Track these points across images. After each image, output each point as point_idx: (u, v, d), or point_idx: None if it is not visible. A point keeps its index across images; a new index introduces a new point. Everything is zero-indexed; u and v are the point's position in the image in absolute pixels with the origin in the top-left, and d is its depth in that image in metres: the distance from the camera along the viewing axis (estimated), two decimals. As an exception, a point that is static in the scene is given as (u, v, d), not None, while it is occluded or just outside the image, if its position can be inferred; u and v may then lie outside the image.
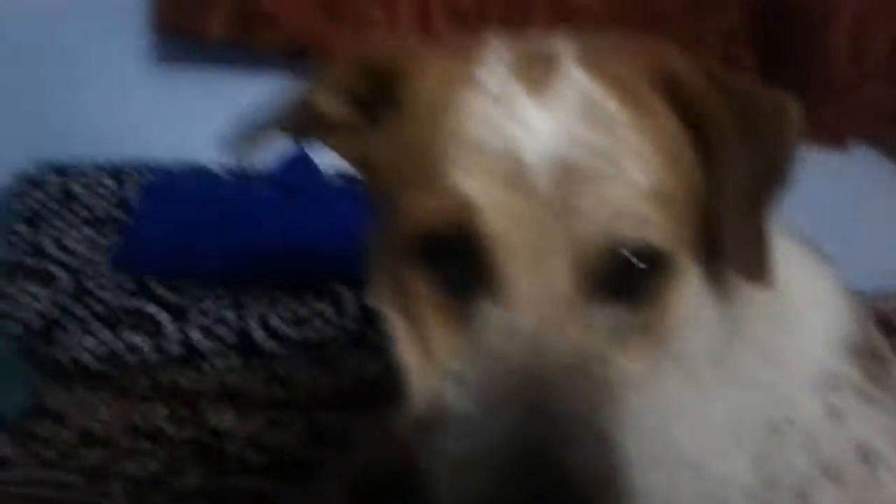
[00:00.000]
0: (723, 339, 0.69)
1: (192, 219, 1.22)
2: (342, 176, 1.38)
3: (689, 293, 0.62)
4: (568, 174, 0.56)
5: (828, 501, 0.71)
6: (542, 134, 0.57)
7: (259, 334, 1.09)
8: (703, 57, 1.43)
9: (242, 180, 1.34)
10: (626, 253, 0.56)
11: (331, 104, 0.66)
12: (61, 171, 1.29)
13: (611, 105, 0.59)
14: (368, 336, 1.13)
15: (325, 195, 1.31)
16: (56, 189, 1.26)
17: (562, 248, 0.56)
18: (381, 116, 0.65)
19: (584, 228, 0.56)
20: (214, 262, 1.14)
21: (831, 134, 1.45)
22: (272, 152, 1.30)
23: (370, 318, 1.15)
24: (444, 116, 0.60)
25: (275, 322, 1.10)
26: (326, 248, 1.18)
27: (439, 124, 0.60)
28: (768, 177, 0.62)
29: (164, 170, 1.34)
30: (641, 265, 0.57)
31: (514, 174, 0.56)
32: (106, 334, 1.06)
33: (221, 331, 1.10)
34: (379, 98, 0.65)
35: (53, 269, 1.13)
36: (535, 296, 0.56)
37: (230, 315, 1.09)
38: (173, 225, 1.20)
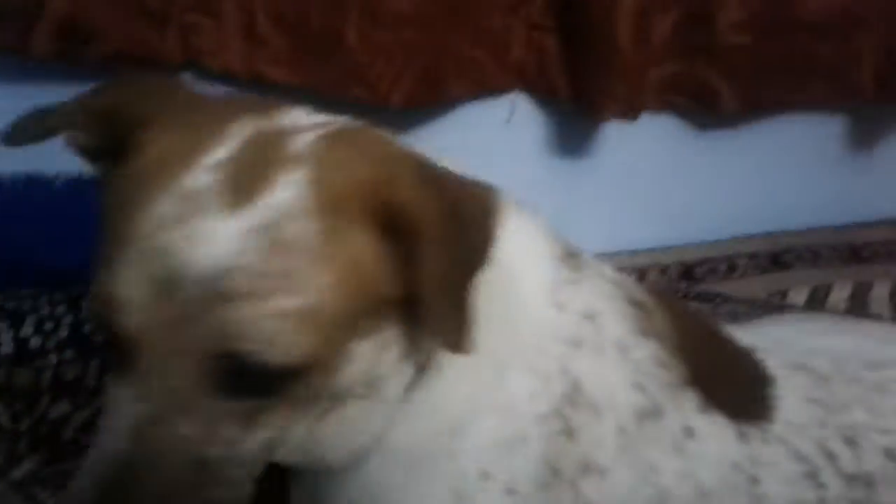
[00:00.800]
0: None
1: (29, 228, 1.28)
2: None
3: (343, 376, 0.67)
4: (215, 288, 0.59)
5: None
6: (209, 245, 0.59)
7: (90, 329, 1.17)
8: (512, 50, 1.60)
9: (77, 186, 1.40)
10: (251, 363, 0.60)
11: (82, 139, 0.69)
12: None
13: (298, 228, 0.61)
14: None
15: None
16: None
17: (190, 353, 0.60)
18: (117, 163, 0.66)
19: (213, 341, 0.60)
20: (51, 267, 1.21)
21: (625, 107, 1.62)
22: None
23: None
24: (137, 197, 0.62)
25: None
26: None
27: (132, 203, 0.62)
28: (469, 267, 0.67)
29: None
30: (273, 367, 0.60)
31: (165, 279, 0.59)
32: None
33: (57, 328, 1.17)
34: (115, 144, 0.66)
35: None
36: (157, 390, 0.61)
37: (64, 313, 1.17)
38: (8, 237, 1.26)
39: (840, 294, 1.78)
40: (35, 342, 1.14)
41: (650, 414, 0.82)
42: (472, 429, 0.76)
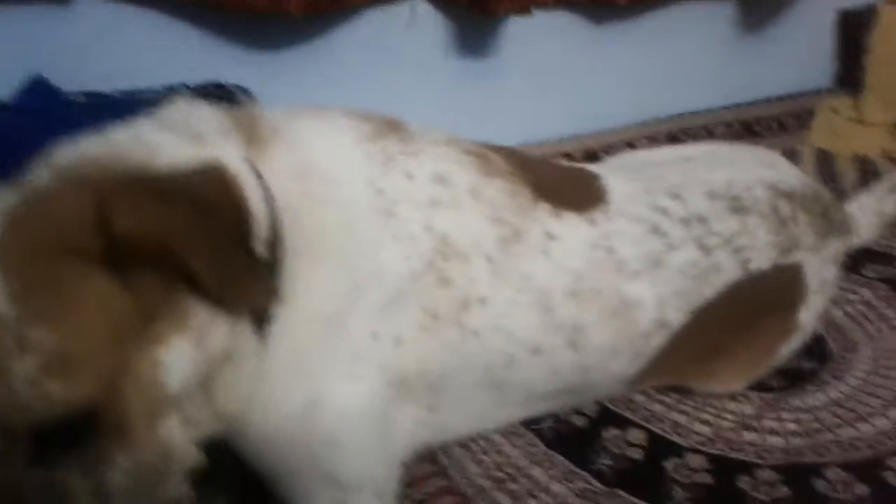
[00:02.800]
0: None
1: None
2: (86, 95, 1.51)
3: (159, 388, 0.68)
4: None
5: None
6: None
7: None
8: None
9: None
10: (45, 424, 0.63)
11: None
12: None
13: (9, 299, 0.62)
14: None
15: (67, 116, 1.43)
16: None
17: None
18: None
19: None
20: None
21: (517, 4, 1.70)
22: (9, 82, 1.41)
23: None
24: None
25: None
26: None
27: None
28: (232, 242, 0.70)
29: None
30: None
31: None
32: None
33: None
34: None
35: None
36: None
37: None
38: None
39: (733, 167, 1.91)
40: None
41: (512, 237, 0.93)
42: (357, 307, 0.85)
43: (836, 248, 1.19)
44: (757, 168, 1.17)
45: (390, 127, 0.95)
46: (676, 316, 1.03)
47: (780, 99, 2.19)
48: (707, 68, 2.12)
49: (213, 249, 0.68)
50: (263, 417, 0.81)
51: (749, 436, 1.12)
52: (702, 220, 1.05)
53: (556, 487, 1.04)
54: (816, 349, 1.29)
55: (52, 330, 0.63)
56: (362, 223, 0.86)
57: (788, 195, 1.13)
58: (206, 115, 0.83)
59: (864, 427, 1.13)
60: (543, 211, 0.97)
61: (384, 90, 1.81)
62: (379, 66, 1.81)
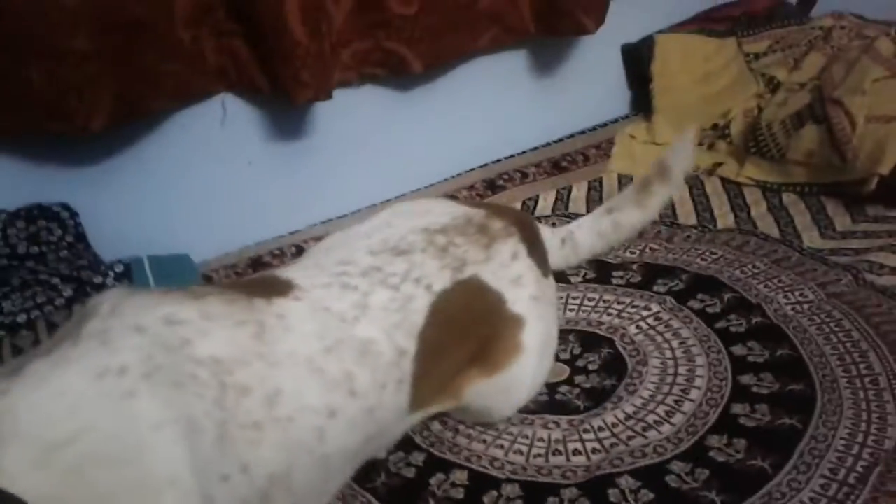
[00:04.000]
0: None
1: None
2: None
3: None
4: None
5: None
6: None
7: None
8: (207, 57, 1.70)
9: None
10: None
11: None
12: None
13: None
14: None
15: None
16: None
17: None
18: None
19: None
20: None
21: (315, 91, 1.83)
22: None
23: None
24: None
25: None
26: None
27: None
28: None
29: None
30: None
31: None
32: None
33: None
34: None
35: None
36: None
37: None
38: None
39: (546, 202, 2.10)
40: None
41: (259, 330, 1.05)
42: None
43: (509, 248, 1.34)
44: (410, 221, 1.34)
45: (90, 318, 0.97)
46: (407, 342, 1.18)
47: (584, 132, 2.40)
48: (511, 114, 2.31)
49: None
50: None
51: (557, 459, 1.27)
52: (376, 268, 1.22)
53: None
54: (617, 367, 1.45)
55: None
56: (133, 445, 0.87)
57: (440, 230, 1.32)
58: None
59: (651, 434, 1.29)
60: (261, 303, 1.09)
61: (206, 185, 1.91)
62: (193, 163, 1.89)
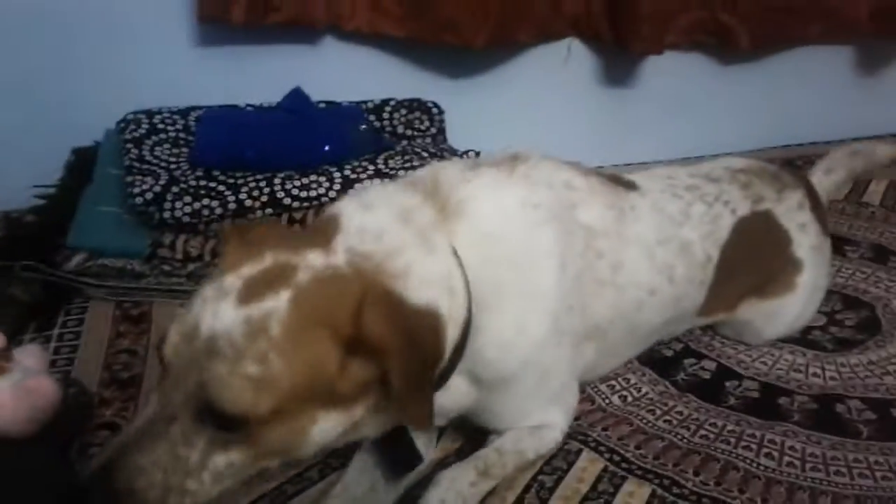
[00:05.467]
0: None
1: (233, 133, 1.91)
2: (326, 102, 2.09)
3: (303, 434, 0.90)
4: (212, 345, 0.86)
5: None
6: (217, 320, 0.87)
7: (281, 193, 1.78)
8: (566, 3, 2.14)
9: (263, 110, 2.05)
10: (212, 404, 0.85)
11: None
12: (147, 113, 2.00)
13: (276, 322, 0.86)
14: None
15: (313, 115, 2.01)
16: (146, 124, 1.98)
17: (187, 382, 0.87)
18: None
19: (198, 378, 0.86)
20: (251, 156, 1.84)
21: (650, 45, 2.14)
22: (280, 92, 2.00)
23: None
24: (205, 283, 0.94)
25: (289, 185, 1.79)
26: (316, 145, 1.89)
27: (199, 290, 0.93)
28: (424, 370, 0.94)
29: (209, 108, 2.05)
30: (228, 412, 0.85)
31: (190, 333, 0.88)
32: (188, 199, 1.73)
33: (260, 194, 1.79)
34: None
35: (153, 167, 1.84)
36: (162, 401, 0.89)
37: (264, 185, 1.79)
38: (222, 138, 1.90)
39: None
40: (248, 203, 1.76)
41: (620, 214, 1.32)
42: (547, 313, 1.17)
43: (797, 197, 1.55)
44: (717, 163, 1.59)
45: (521, 161, 1.25)
46: (713, 250, 1.43)
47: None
48: (822, 105, 2.44)
49: (411, 373, 0.92)
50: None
51: (797, 376, 1.49)
52: (695, 187, 1.47)
53: (645, 388, 1.45)
54: (871, 327, 1.62)
55: (283, 359, 0.87)
56: (530, 258, 1.15)
57: (742, 170, 1.54)
58: (409, 201, 1.09)
59: (888, 379, 1.47)
60: (622, 192, 1.37)
61: (543, 115, 2.29)
62: (538, 93, 2.29)
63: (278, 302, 0.88)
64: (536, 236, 1.17)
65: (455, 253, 1.06)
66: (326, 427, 0.92)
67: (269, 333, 0.86)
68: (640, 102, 2.37)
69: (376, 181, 1.79)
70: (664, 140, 2.37)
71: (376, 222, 1.01)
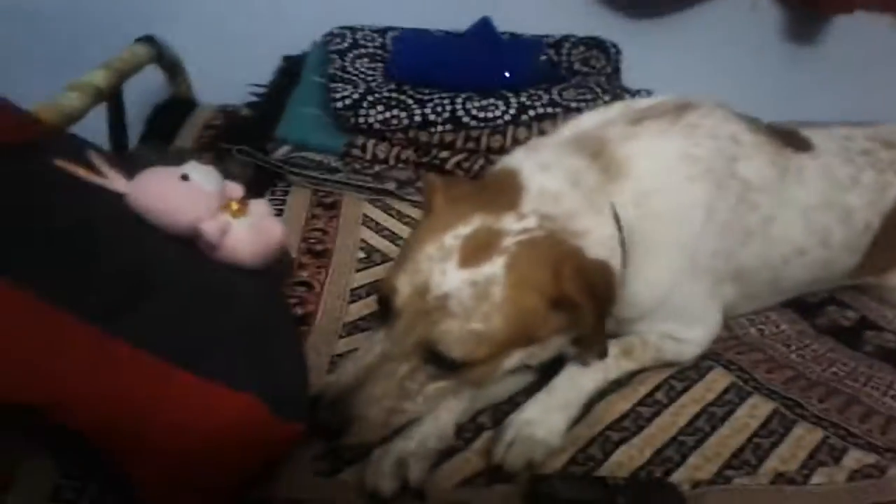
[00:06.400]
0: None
1: (424, 54, 2.10)
2: (511, 34, 2.23)
3: (499, 367, 1.09)
4: (443, 303, 1.02)
5: None
6: (446, 280, 1.03)
7: (461, 112, 1.95)
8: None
9: (452, 36, 2.22)
10: (440, 352, 1.03)
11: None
12: (351, 29, 2.22)
13: (495, 290, 1.03)
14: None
15: (498, 44, 2.16)
16: (349, 38, 2.20)
17: (418, 331, 1.03)
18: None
19: (431, 330, 1.02)
20: (439, 76, 2.02)
21: (841, 4, 2.12)
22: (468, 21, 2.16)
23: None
24: (424, 237, 1.08)
25: (469, 105, 1.94)
26: (497, 71, 2.04)
27: (420, 241, 1.08)
28: (604, 316, 1.12)
29: (405, 29, 2.24)
30: (454, 359, 1.03)
31: (421, 288, 1.04)
32: (381, 108, 1.91)
33: (442, 110, 1.96)
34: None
35: (352, 77, 2.06)
36: (393, 344, 1.05)
37: (447, 102, 1.96)
38: (414, 57, 2.09)
39: None
40: (430, 117, 1.95)
41: (782, 172, 1.38)
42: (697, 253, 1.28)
43: None
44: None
45: (691, 110, 1.33)
46: (874, 219, 1.46)
47: None
48: None
49: (598, 318, 1.11)
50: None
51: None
52: (868, 152, 1.48)
53: (784, 325, 1.53)
54: None
55: (502, 318, 1.04)
56: (680, 211, 1.25)
57: None
58: (578, 163, 1.21)
59: None
60: (791, 152, 1.41)
61: (720, 65, 2.33)
62: (721, 43, 2.33)
63: (495, 268, 1.04)
64: (688, 190, 1.26)
65: (615, 214, 1.18)
66: (515, 360, 1.11)
67: (492, 297, 1.03)
68: (819, 62, 2.36)
69: (549, 109, 1.93)
70: (840, 102, 2.34)
71: (553, 185, 1.16)
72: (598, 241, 1.14)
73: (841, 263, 1.49)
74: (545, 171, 1.19)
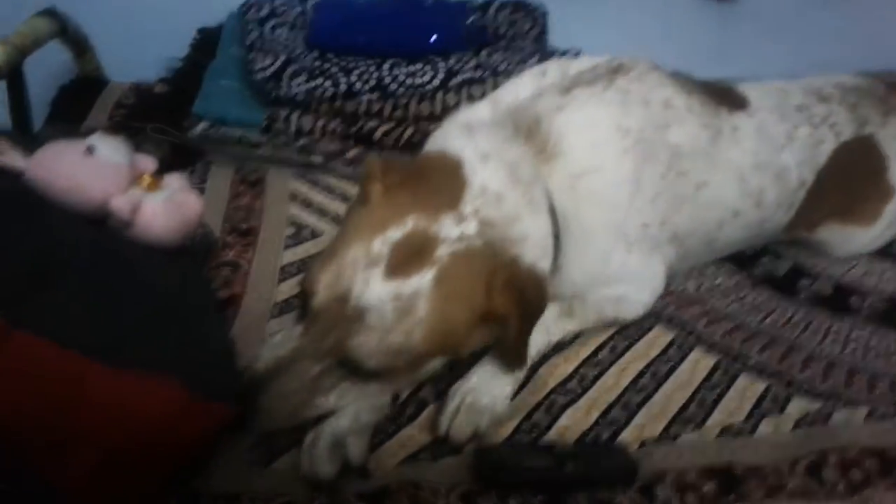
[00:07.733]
0: None
1: (346, 19, 2.02)
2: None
3: (418, 374, 1.07)
4: (362, 314, 0.97)
5: None
6: (368, 291, 0.97)
7: (388, 79, 1.89)
8: None
9: (375, 1, 2.14)
10: (355, 361, 0.99)
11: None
12: (267, -3, 2.14)
13: (423, 301, 0.98)
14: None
15: (422, 7, 2.09)
16: (267, 7, 2.10)
17: (334, 337, 0.99)
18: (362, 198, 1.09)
19: (347, 339, 0.98)
20: (362, 42, 1.95)
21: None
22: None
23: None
24: (353, 236, 1.02)
25: (396, 72, 1.87)
26: (423, 36, 1.97)
27: (349, 240, 1.02)
28: (531, 328, 1.08)
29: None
30: (368, 369, 1.00)
31: (342, 296, 0.98)
32: (304, 78, 1.83)
33: (368, 78, 1.90)
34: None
35: (272, 47, 1.97)
36: (309, 342, 1.00)
37: (373, 69, 1.90)
38: (336, 23, 2.01)
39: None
40: (356, 86, 1.88)
41: (716, 135, 1.35)
42: (627, 226, 1.26)
43: None
44: (830, 79, 1.59)
45: (623, 73, 1.30)
46: (809, 175, 1.46)
47: None
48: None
49: (524, 331, 1.08)
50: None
51: (870, 279, 1.54)
52: (804, 107, 1.48)
53: (720, 279, 1.53)
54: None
55: (425, 333, 0.99)
56: (610, 190, 1.23)
57: (853, 88, 1.54)
58: (515, 150, 1.18)
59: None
60: (725, 112, 1.38)
61: (645, 23, 2.30)
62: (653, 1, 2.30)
63: (423, 281, 0.99)
64: (617, 167, 1.24)
65: (551, 207, 1.16)
66: (437, 364, 1.08)
67: (416, 313, 0.98)
68: (742, 19, 2.36)
69: (477, 73, 1.88)
70: (762, 58, 2.35)
71: (495, 183, 1.10)
72: (534, 245, 1.11)
73: (775, 221, 1.49)
74: (485, 161, 1.13)
